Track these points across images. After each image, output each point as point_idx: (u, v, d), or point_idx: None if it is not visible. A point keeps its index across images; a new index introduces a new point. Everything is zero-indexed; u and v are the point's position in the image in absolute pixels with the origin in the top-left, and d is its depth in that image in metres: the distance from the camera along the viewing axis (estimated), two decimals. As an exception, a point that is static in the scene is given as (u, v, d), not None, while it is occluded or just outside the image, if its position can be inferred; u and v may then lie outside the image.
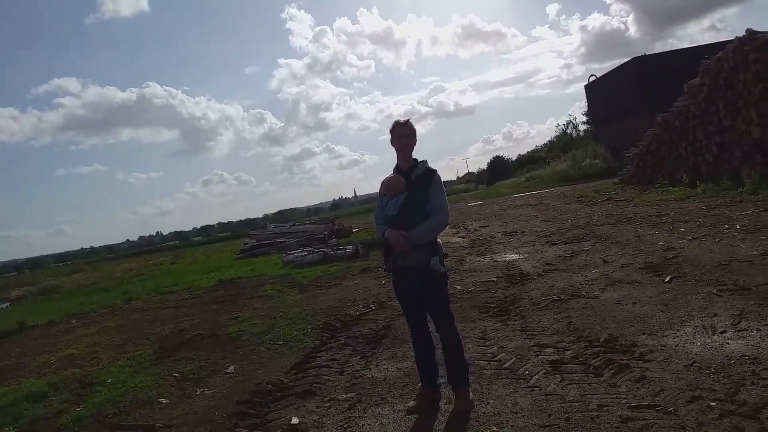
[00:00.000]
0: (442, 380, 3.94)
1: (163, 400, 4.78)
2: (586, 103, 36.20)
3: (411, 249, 3.61)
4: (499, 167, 50.40)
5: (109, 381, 5.52)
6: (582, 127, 42.27)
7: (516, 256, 9.10)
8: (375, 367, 4.76)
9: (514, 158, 51.82)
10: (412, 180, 3.71)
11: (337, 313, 6.89)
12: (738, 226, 7.94)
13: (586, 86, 34.41)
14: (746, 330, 4.10)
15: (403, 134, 3.78)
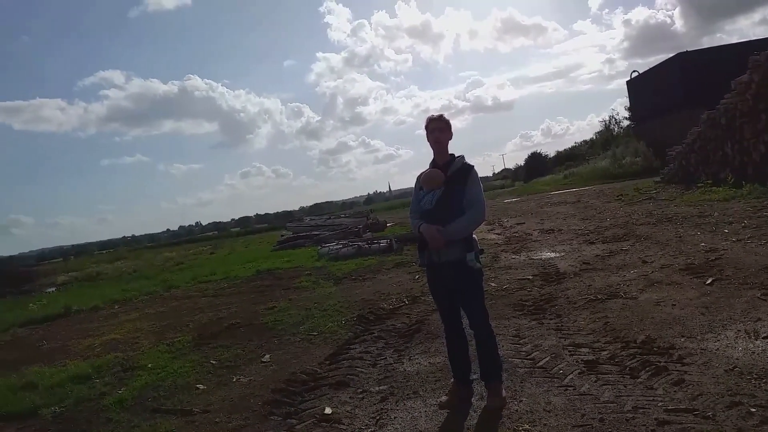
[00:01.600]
0: (474, 376, 3.94)
1: (201, 386, 4.92)
2: (628, 100, 35.27)
3: (446, 244, 3.62)
4: (536, 163, 49.53)
5: (150, 366, 5.71)
6: (624, 124, 41.23)
7: (552, 255, 8.99)
8: (408, 361, 4.80)
9: (552, 154, 50.98)
10: (448, 175, 3.72)
11: (370, 307, 6.95)
12: (786, 229, 7.66)
13: (628, 82, 33.53)
14: (792, 336, 3.97)
15: (435, 129, 3.78)
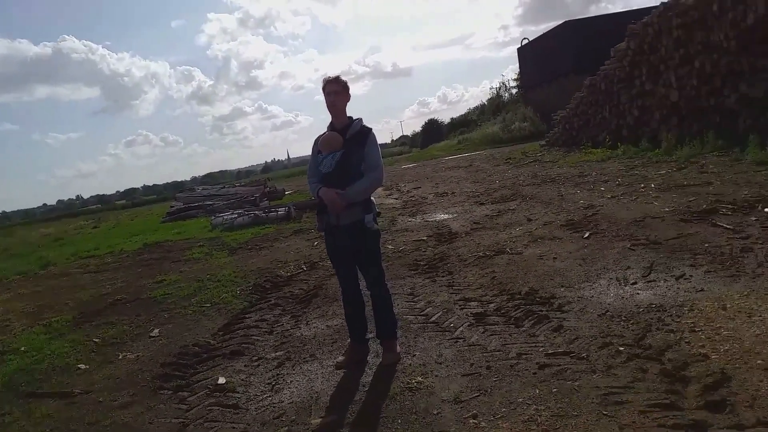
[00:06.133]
0: (370, 335, 3.99)
1: (83, 366, 4.61)
2: (519, 67, 36.72)
3: (346, 207, 3.58)
4: (432, 130, 50.69)
5: (23, 349, 5.26)
6: (514, 90, 42.93)
7: (446, 216, 9.27)
8: (305, 326, 4.76)
9: (447, 121, 52.30)
10: (347, 138, 3.66)
11: (267, 275, 6.82)
12: (653, 185, 8.39)
13: (518, 49, 34.89)
14: (655, 281, 4.37)
15: (331, 91, 3.69)
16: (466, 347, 3.71)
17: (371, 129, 3.75)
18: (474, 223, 8.13)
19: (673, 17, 12.36)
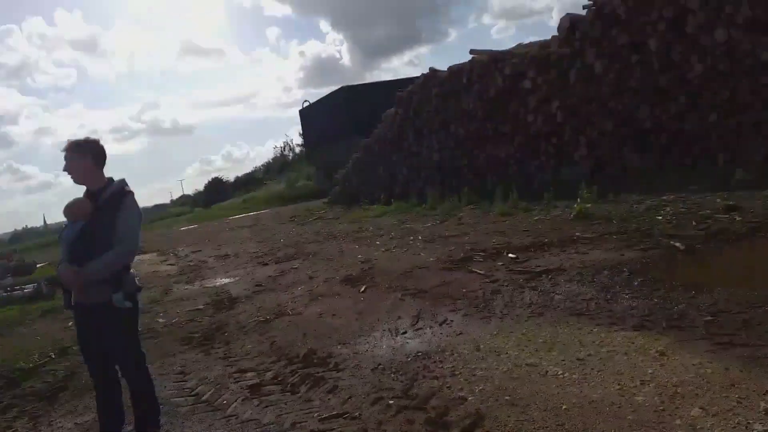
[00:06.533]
0: (129, 428, 3.48)
1: None
2: (301, 127, 37.91)
3: (90, 284, 3.10)
4: (217, 189, 49.36)
5: None
6: (298, 150, 44.08)
7: (227, 280, 8.86)
8: (46, 428, 4.01)
9: (232, 179, 51.47)
10: (99, 203, 3.21)
11: (3, 370, 5.67)
12: (420, 238, 9.10)
13: (300, 111, 36.11)
14: (422, 328, 4.61)
15: (66, 158, 3.25)
16: (239, 425, 3.44)
17: (130, 192, 3.31)
18: (256, 285, 7.88)
19: (432, 87, 14.03)
